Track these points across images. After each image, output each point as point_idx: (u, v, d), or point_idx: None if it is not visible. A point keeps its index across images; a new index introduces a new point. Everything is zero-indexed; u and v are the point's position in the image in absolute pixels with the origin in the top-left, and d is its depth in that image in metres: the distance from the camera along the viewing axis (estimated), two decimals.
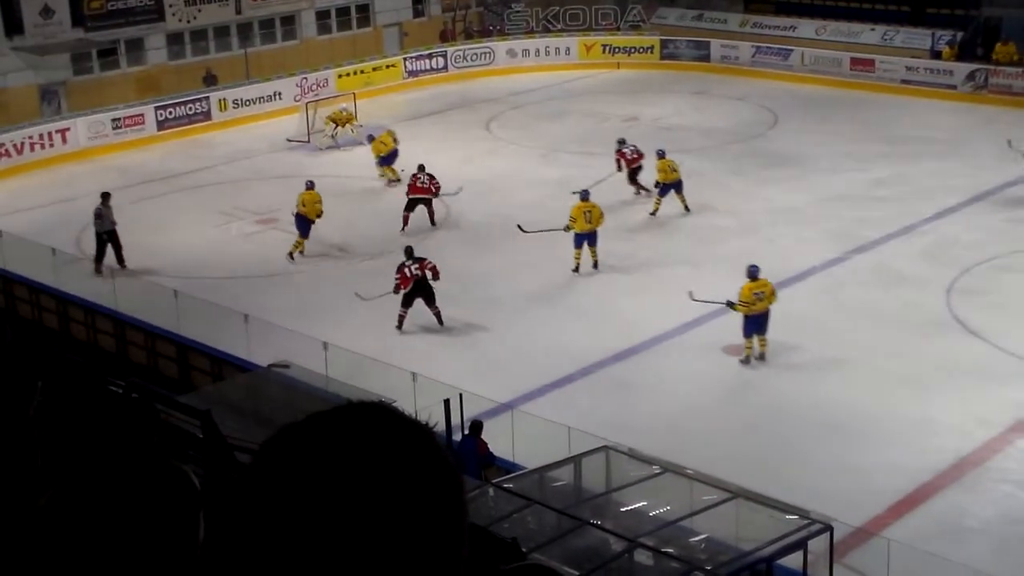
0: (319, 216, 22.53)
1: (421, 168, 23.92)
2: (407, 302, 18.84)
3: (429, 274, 18.75)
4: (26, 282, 20.60)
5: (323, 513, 1.24)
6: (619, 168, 25.15)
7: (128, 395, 7.09)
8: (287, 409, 12.50)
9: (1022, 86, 31.16)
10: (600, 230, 21.08)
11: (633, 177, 24.94)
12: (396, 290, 18.78)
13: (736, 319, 17.66)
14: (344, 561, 1.24)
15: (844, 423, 15.49)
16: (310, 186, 23.00)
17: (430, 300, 18.85)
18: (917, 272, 20.49)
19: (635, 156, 24.93)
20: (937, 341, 17.84)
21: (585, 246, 20.92)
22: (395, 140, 27.00)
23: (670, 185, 23.61)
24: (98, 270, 21.64)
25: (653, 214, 23.73)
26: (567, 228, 20.93)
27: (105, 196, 22.41)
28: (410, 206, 23.64)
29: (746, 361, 17.44)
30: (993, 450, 14.94)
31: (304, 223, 22.45)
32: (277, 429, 1.32)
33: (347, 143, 30.03)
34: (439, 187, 23.74)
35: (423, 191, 23.63)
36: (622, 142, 25.39)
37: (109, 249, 21.78)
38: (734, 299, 17.47)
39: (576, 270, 20.98)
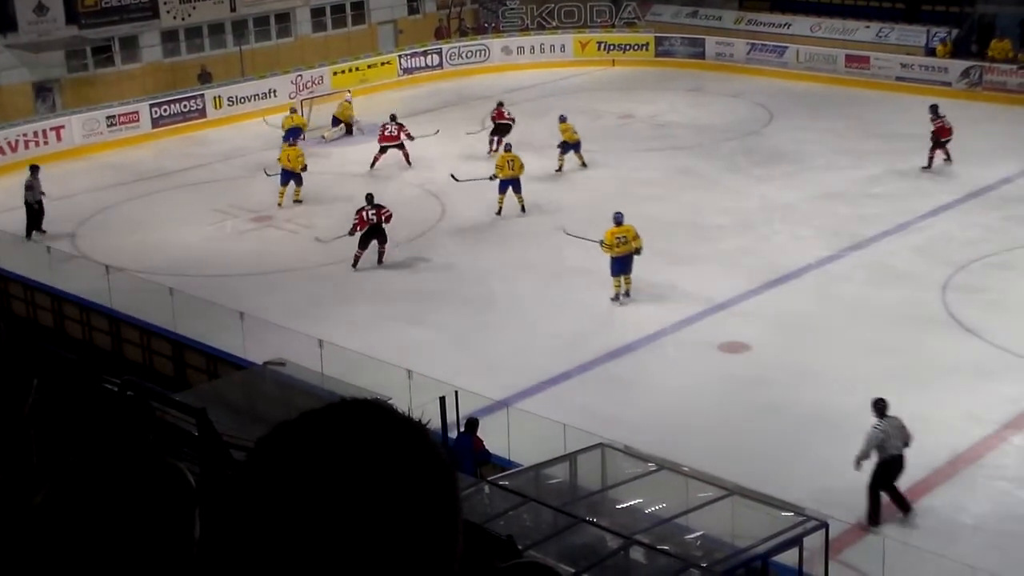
0: (304, 169, 25.02)
1: (392, 118, 27.33)
2: (363, 244, 21.37)
3: (384, 219, 21.36)
4: (21, 280, 20.57)
5: (317, 510, 1.24)
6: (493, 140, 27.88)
7: (123, 393, 7.08)
8: (283, 407, 12.50)
9: (1016, 83, 31.18)
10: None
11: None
12: (352, 231, 21.32)
13: (734, 317, 17.64)
14: (338, 558, 1.24)
15: (839, 420, 15.50)
16: (292, 143, 26.19)
17: (381, 240, 21.47)
18: (912, 269, 20.51)
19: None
20: (932, 338, 17.86)
21: (510, 192, 23.98)
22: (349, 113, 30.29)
23: (570, 145, 26.57)
24: (29, 236, 23.53)
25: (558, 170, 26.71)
26: (492, 177, 24.05)
27: (34, 168, 24.27)
28: (382, 152, 27.23)
29: (615, 299, 19.65)
30: (988, 447, 14.97)
31: (287, 175, 25.01)
32: (272, 427, 1.32)
33: (339, 136, 30.26)
34: (408, 132, 27.15)
35: (390, 139, 27.16)
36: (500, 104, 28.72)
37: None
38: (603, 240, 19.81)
39: (499, 213, 24.01)
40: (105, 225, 24.66)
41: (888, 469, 13.36)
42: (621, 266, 19.56)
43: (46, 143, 29.24)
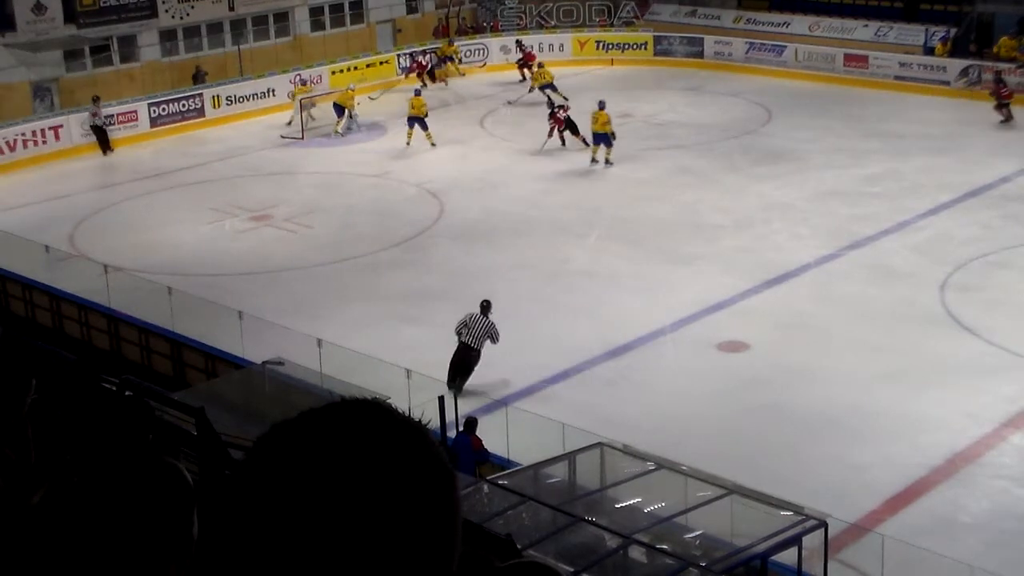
0: (426, 114, 28.81)
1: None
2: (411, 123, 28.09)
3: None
4: (19, 279, 20.56)
5: (316, 510, 1.24)
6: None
7: (122, 392, 7.09)
8: (281, 406, 12.50)
9: (1015, 82, 31.18)
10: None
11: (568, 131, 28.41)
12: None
13: (732, 317, 17.63)
14: (338, 558, 1.24)
15: (838, 419, 15.51)
16: (417, 93, 29.81)
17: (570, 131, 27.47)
18: (911, 268, 20.51)
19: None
20: (931, 337, 17.86)
21: (417, 128, 28.49)
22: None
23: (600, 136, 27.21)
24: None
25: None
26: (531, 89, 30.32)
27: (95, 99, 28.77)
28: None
29: (594, 161, 26.31)
30: (987, 445, 14.97)
31: (413, 120, 28.79)
32: (270, 426, 1.32)
33: (344, 131, 30.30)
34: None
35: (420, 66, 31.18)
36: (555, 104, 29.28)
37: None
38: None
39: (408, 144, 28.49)
40: (103, 224, 24.65)
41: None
42: (599, 139, 26.09)
43: (44, 142, 29.21)
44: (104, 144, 29.40)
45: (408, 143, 28.85)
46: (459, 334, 16.48)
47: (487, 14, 40.64)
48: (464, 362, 16.31)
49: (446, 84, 35.34)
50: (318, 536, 1.23)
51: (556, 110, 28.25)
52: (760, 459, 14.37)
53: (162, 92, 32.33)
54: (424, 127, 28.83)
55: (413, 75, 34.67)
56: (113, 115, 30.32)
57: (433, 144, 28.64)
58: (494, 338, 16.43)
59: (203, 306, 18.56)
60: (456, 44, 36.56)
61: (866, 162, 26.55)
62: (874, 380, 16.52)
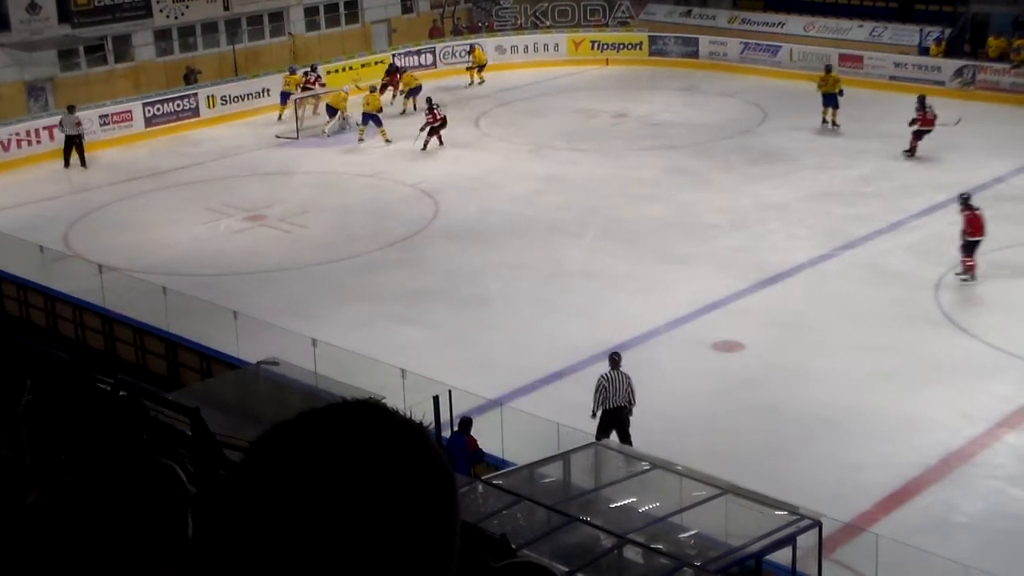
0: (380, 110, 29.55)
1: (428, 101, 29.29)
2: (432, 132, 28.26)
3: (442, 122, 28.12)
4: (13, 279, 20.52)
5: (315, 511, 1.24)
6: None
7: (116, 392, 7.08)
8: (276, 406, 12.50)
9: (1009, 82, 31.22)
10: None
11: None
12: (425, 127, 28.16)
13: (727, 316, 17.62)
14: (336, 559, 1.24)
15: (833, 419, 15.53)
16: (372, 90, 30.15)
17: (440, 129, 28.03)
18: (906, 268, 20.54)
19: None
20: (925, 337, 17.89)
21: (371, 124, 29.38)
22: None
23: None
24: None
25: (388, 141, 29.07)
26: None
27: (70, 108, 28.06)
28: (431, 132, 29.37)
29: (824, 123, 28.37)
30: (981, 445, 14.99)
31: (368, 117, 29.43)
32: (269, 426, 1.32)
33: (331, 133, 30.30)
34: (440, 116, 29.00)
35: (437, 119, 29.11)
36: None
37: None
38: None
39: (361, 140, 29.42)
40: (98, 224, 24.63)
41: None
42: (828, 100, 29.03)
43: (39, 142, 29.16)
44: (76, 155, 27.89)
45: (360, 139, 29.63)
46: (603, 403, 14.72)
47: (482, 14, 40.64)
48: (622, 427, 14.78)
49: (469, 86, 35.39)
50: (317, 537, 1.23)
51: (436, 107, 28.68)
52: (755, 459, 14.38)
53: (157, 92, 32.31)
54: (378, 123, 29.53)
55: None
56: (108, 115, 30.29)
57: (388, 141, 29.32)
58: (633, 390, 14.91)
59: (198, 306, 18.54)
60: (484, 52, 36.26)
61: (861, 162, 26.57)
62: (868, 380, 16.53)
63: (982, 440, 15.09)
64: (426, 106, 28.88)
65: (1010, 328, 17.95)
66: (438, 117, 28.52)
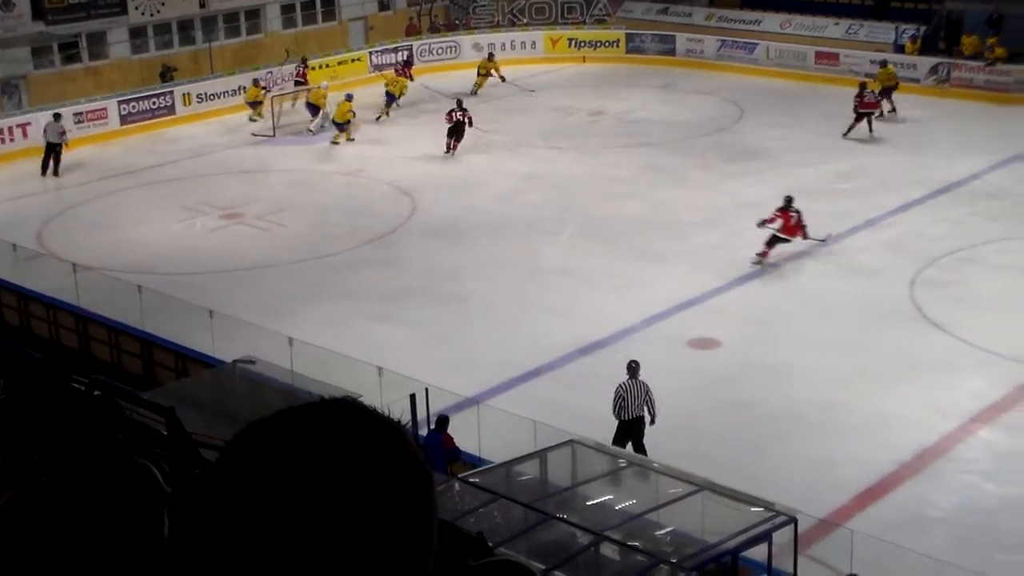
0: (348, 122, 29.29)
1: (459, 103, 28.70)
2: (450, 134, 27.53)
3: (467, 121, 27.59)
4: None
5: (292, 509, 1.23)
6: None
7: (91, 392, 7.04)
8: (252, 405, 12.46)
9: (983, 80, 31.41)
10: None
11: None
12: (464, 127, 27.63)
13: (704, 314, 17.66)
14: (314, 557, 1.23)
15: (808, 415, 15.60)
16: (324, 86, 30.60)
17: (459, 137, 27.56)
18: (881, 265, 20.64)
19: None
20: (901, 333, 17.98)
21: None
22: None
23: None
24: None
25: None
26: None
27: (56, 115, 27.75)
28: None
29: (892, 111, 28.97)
30: (955, 441, 15.09)
31: (312, 107, 30.14)
32: (247, 424, 1.32)
33: (317, 129, 30.28)
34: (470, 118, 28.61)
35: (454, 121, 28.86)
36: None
37: None
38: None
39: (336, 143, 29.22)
40: (73, 223, 24.49)
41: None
42: (885, 92, 29.18)
43: (12, 140, 28.97)
44: (54, 163, 27.41)
45: (335, 142, 29.50)
46: (619, 413, 14.51)
47: (459, 12, 40.59)
48: (637, 438, 14.50)
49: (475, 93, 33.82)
50: (295, 535, 1.23)
51: (457, 111, 28.08)
52: (731, 456, 14.43)
53: (132, 90, 32.13)
54: (313, 113, 30.30)
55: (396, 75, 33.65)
56: (83, 113, 30.12)
57: (311, 131, 30.09)
58: (652, 400, 14.60)
59: (174, 305, 18.46)
60: (496, 60, 34.93)
61: (837, 159, 26.68)
62: (844, 376, 16.61)
63: (956, 436, 15.19)
64: (455, 107, 28.35)
65: (984, 324, 18.07)
66: (454, 119, 27.92)
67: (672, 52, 37.29)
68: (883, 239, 21.92)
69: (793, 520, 11.27)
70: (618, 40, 38.14)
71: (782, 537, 11.30)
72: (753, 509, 11.41)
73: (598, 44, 38.25)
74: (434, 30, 39.68)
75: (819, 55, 34.75)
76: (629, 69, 36.61)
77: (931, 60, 32.95)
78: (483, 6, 39.75)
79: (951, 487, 14.21)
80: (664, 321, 18.65)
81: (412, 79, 33.43)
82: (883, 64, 30.78)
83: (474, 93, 33.17)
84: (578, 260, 21.27)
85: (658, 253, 21.47)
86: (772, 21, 37.23)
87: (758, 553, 11.16)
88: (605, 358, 17.63)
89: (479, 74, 34.17)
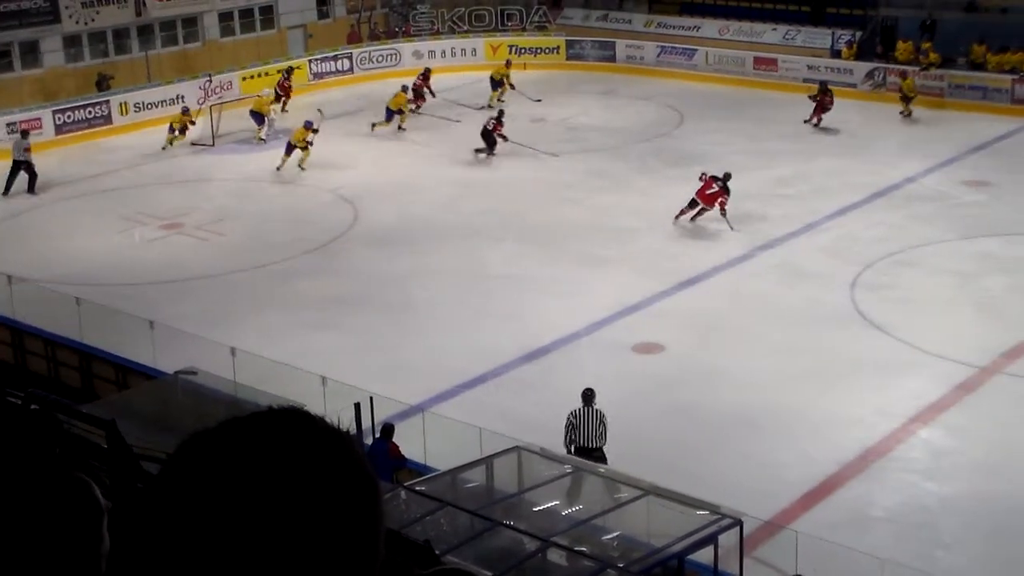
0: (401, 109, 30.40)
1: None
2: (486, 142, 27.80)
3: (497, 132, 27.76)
4: None
5: (240, 520, 1.22)
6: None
7: (27, 406, 6.93)
8: (195, 416, 12.33)
9: (918, 84, 31.88)
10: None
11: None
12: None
13: (647, 318, 17.75)
14: (261, 568, 1.22)
15: (752, 418, 15.72)
16: (265, 94, 31.08)
17: (490, 144, 27.74)
18: (821, 268, 20.86)
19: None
20: (842, 336, 18.18)
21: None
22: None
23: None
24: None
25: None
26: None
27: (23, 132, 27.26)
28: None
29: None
30: (897, 440, 15.28)
31: (257, 116, 30.08)
32: (191, 434, 1.29)
33: (267, 137, 30.10)
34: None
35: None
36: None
37: None
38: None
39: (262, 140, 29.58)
40: (7, 234, 24.11)
41: None
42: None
43: None
44: (29, 181, 26.51)
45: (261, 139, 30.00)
46: (569, 447, 13.73)
47: (399, 19, 40.52)
48: None
49: (491, 105, 32.85)
50: (242, 546, 1.21)
51: (497, 122, 28.03)
52: (676, 459, 14.50)
53: (67, 99, 31.73)
54: (259, 122, 30.20)
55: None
56: (16, 123, 29.67)
57: (263, 139, 29.97)
58: (605, 428, 13.86)
59: (113, 316, 18.23)
60: (512, 66, 34.66)
61: (776, 164, 26.94)
62: (787, 379, 16.76)
63: (897, 436, 15.38)
64: (495, 118, 28.22)
65: (922, 325, 18.33)
66: (492, 128, 27.88)
67: (612, 58, 37.49)
68: (822, 243, 22.17)
69: (739, 522, 11.34)
70: (558, 47, 38.28)
71: (728, 540, 11.37)
72: (699, 512, 11.47)
73: (538, 51, 38.36)
74: (374, 37, 39.57)
75: (757, 60, 35.10)
76: (569, 75, 36.75)
77: (867, 65, 33.40)
78: (423, 13, 39.72)
79: (892, 486, 14.39)
80: (608, 326, 18.72)
81: (431, 95, 32.74)
82: (904, 76, 31.08)
83: (499, 101, 32.79)
84: (521, 266, 21.29)
85: (601, 258, 21.54)
86: (710, 27, 37.54)
87: (704, 556, 11.23)
88: (550, 364, 17.67)
89: (498, 82, 33.48)
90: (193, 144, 30.23)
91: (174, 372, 14.92)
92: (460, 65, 37.39)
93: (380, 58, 37.61)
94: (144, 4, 34.73)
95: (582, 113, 32.33)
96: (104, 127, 31.33)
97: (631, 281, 20.39)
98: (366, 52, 37.68)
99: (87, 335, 17.80)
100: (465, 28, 39.23)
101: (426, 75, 33.14)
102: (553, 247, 22.22)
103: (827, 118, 29.70)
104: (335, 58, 36.76)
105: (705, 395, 16.41)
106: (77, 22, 33.77)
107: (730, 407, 16.02)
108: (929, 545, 13.13)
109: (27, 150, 26.57)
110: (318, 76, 36.09)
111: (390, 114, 30.64)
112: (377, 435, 13.93)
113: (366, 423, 13.97)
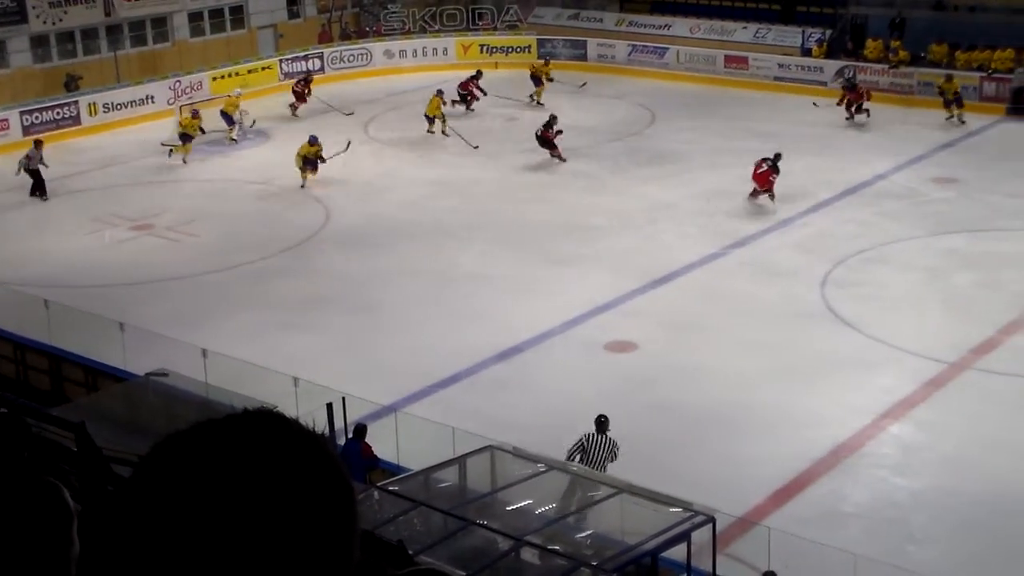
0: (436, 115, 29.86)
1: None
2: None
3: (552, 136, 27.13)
4: None
5: (213, 522, 1.21)
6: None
7: None
8: (166, 419, 12.28)
9: (888, 82, 32.07)
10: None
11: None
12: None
13: (620, 317, 17.78)
14: (236, 570, 1.21)
15: (724, 415, 15.78)
16: (236, 94, 30.58)
17: (549, 147, 27.17)
18: (793, 266, 20.96)
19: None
20: (813, 332, 18.28)
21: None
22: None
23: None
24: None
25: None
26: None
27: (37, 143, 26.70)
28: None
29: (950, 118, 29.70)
30: (867, 436, 15.38)
31: (227, 116, 29.85)
32: (164, 436, 1.29)
33: (239, 137, 30.00)
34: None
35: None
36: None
37: None
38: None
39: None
40: None
41: None
42: (950, 101, 29.83)
43: None
44: (40, 189, 26.09)
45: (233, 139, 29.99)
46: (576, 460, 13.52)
47: (370, 19, 40.43)
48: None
49: (540, 103, 32.86)
50: (215, 549, 1.21)
51: (551, 129, 27.44)
52: (649, 457, 14.52)
53: (35, 99, 31.49)
54: (229, 122, 30.04)
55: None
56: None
57: (234, 140, 29.91)
58: (615, 456, 13.59)
59: (82, 318, 18.09)
60: (550, 63, 34.69)
61: (748, 162, 26.93)
62: (759, 376, 16.83)
63: (868, 432, 15.48)
64: (548, 122, 27.69)
65: (892, 322, 18.45)
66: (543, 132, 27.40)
67: (584, 57, 37.53)
68: (794, 240, 22.27)
69: (711, 519, 11.38)
70: (530, 45, 38.28)
71: (701, 536, 11.40)
72: (672, 510, 11.50)
73: (510, 50, 38.35)
74: (345, 37, 39.47)
75: (728, 59, 35.23)
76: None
77: (837, 63, 33.57)
78: (394, 13, 39.64)
79: (864, 482, 14.48)
80: (580, 325, 18.74)
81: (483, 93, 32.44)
82: (948, 79, 30.45)
83: (537, 103, 32.64)
84: (492, 266, 21.29)
85: (573, 257, 21.57)
86: (682, 26, 37.63)
87: (677, 553, 11.25)
88: (522, 363, 17.68)
89: (538, 79, 33.27)
90: (163, 144, 30.01)
91: (145, 374, 14.83)
92: (431, 65, 37.35)
93: (351, 58, 37.52)
94: (113, 4, 34.50)
95: (554, 112, 32.26)
96: (73, 128, 31.12)
97: (603, 280, 20.42)
98: (337, 52, 37.57)
99: (56, 337, 17.66)
100: (436, 27, 39.18)
101: (477, 76, 32.81)
102: (525, 246, 22.22)
103: (818, 115, 29.95)
104: (306, 58, 36.63)
105: (677, 392, 16.45)
106: (45, 22, 33.52)
107: (702, 404, 16.08)
108: (900, 540, 13.22)
109: (41, 160, 26.05)
110: (289, 76, 35.91)
111: (431, 120, 30.09)
112: (350, 435, 13.90)
113: (339, 423, 13.94)
